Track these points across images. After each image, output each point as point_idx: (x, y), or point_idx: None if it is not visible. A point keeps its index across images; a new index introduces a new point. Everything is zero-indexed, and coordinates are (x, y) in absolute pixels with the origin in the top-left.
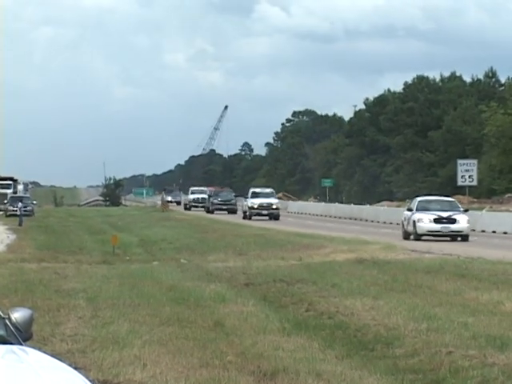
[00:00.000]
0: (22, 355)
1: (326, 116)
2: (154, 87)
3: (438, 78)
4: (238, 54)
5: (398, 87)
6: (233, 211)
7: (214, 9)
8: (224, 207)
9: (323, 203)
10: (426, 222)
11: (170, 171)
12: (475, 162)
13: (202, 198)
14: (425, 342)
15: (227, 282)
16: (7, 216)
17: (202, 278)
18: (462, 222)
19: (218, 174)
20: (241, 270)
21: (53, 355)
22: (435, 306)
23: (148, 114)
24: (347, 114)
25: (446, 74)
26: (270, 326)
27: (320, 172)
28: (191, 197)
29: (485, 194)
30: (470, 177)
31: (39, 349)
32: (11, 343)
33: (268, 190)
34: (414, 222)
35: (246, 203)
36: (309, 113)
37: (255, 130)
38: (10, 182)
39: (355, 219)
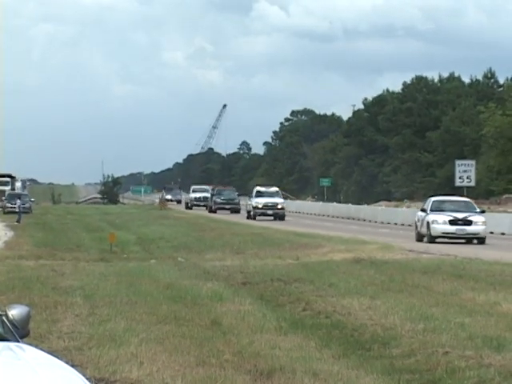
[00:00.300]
0: (18, 352)
1: (325, 115)
2: (153, 85)
3: (436, 79)
4: (237, 52)
5: (397, 87)
6: (236, 210)
7: (213, 7)
8: (227, 206)
9: (321, 203)
10: (440, 223)
11: (169, 169)
12: (473, 162)
13: (204, 197)
14: (421, 342)
15: (224, 280)
16: (5, 213)
17: (200, 276)
18: (479, 223)
19: (217, 172)
20: (238, 268)
21: (50, 352)
22: (432, 306)
23: (147, 111)
24: (346, 114)
25: (445, 74)
26: (266, 325)
27: (318, 171)
28: (193, 195)
29: (483, 194)
30: (468, 177)
31: (36, 346)
32: (8, 340)
33: (273, 189)
34: (428, 223)
35: (250, 202)
36: (307, 112)
37: (254, 128)
38: (8, 179)
39: (353, 219)
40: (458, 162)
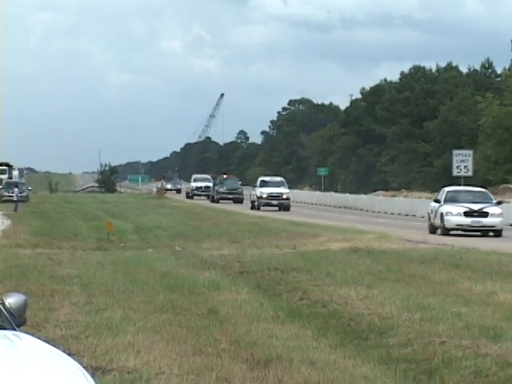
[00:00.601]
0: (15, 340)
1: (322, 105)
2: (150, 74)
3: (434, 68)
4: (235, 41)
5: (395, 77)
6: (239, 201)
7: None
8: (230, 196)
9: (318, 192)
10: (454, 215)
11: (166, 158)
12: (471, 152)
13: (206, 187)
14: (418, 331)
15: (221, 269)
16: (2, 202)
17: (197, 265)
18: (495, 215)
19: (214, 161)
20: (235, 257)
21: (46, 341)
22: (429, 295)
23: (144, 100)
24: (343, 103)
25: (443, 64)
26: (263, 314)
27: (315, 161)
28: (194, 185)
29: (480, 184)
30: (465, 167)
31: (33, 334)
32: (5, 328)
33: (278, 179)
34: (442, 214)
35: (254, 192)
36: (305, 101)
37: (251, 118)
38: (5, 168)
39: (350, 208)
40: (455, 152)
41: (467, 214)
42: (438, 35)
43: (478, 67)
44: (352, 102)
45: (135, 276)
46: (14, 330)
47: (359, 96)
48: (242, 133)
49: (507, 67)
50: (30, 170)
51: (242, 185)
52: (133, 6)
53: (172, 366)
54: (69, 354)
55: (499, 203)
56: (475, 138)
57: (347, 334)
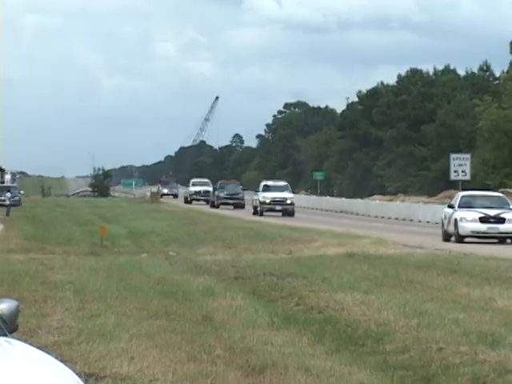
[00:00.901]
0: (7, 347)
1: (318, 108)
2: (144, 77)
3: (431, 71)
4: (229, 44)
5: (392, 80)
6: (240, 206)
7: None
8: (230, 201)
9: (314, 196)
10: (469, 221)
11: (160, 162)
12: (468, 156)
13: (205, 191)
14: (415, 338)
15: (216, 275)
16: None
17: (191, 271)
18: None
19: (208, 165)
20: (230, 263)
21: (39, 347)
22: (426, 301)
23: (138, 104)
24: (339, 107)
25: (440, 67)
26: (259, 321)
27: (311, 165)
28: (192, 189)
29: (478, 188)
30: (463, 171)
31: (25, 341)
32: None
33: (282, 183)
34: (456, 221)
35: (256, 197)
36: (300, 105)
37: (246, 121)
38: None
39: (346, 213)
40: (452, 156)
41: (483, 219)
42: (436, 38)
43: (475, 70)
44: (348, 106)
45: (129, 282)
46: (6, 336)
47: (356, 99)
48: (237, 136)
49: (505, 70)
50: (23, 174)
51: (243, 189)
52: (124, 8)
53: (166, 372)
54: (61, 361)
55: None
56: (473, 141)
57: (343, 341)
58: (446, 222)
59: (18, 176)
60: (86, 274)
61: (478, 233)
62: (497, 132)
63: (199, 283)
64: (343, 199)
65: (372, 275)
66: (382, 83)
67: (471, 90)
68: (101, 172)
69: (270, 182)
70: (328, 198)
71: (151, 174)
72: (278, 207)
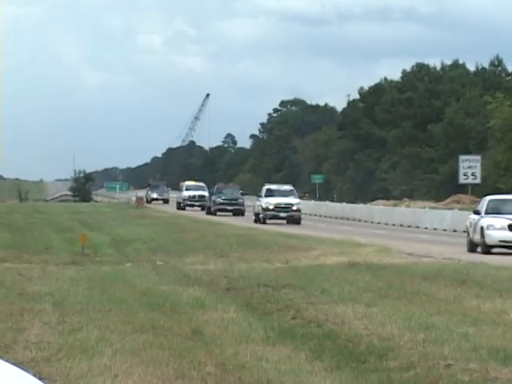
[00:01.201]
0: None
1: (317, 106)
2: (128, 72)
3: (439, 66)
4: (221, 36)
5: (396, 75)
6: (240, 212)
7: None
8: (229, 208)
9: (313, 201)
10: (497, 228)
11: (146, 164)
12: (479, 157)
13: (200, 196)
14: (421, 353)
15: (207, 286)
16: None
17: (180, 281)
18: None
19: (198, 168)
20: (222, 273)
21: (15, 364)
22: (433, 314)
23: (122, 101)
24: (340, 104)
25: (448, 61)
26: (252, 335)
27: (309, 167)
28: (186, 194)
29: (489, 192)
30: (472, 174)
31: (0, 357)
32: None
33: (287, 188)
34: (482, 229)
35: (258, 203)
36: (298, 102)
37: (239, 120)
38: None
39: (347, 219)
40: (462, 158)
41: None
42: (443, 30)
43: (486, 65)
44: (349, 103)
45: (112, 293)
46: None
47: (357, 96)
48: (230, 136)
49: None
50: None
51: (243, 194)
52: None
53: None
54: (40, 379)
55: None
56: (484, 142)
57: (344, 357)
58: (471, 230)
59: None
60: (66, 285)
61: (506, 242)
62: (510, 132)
63: (188, 295)
64: (344, 204)
65: (375, 286)
66: (385, 79)
67: (482, 86)
68: (82, 175)
69: (273, 186)
70: (327, 203)
71: (136, 176)
72: (283, 214)
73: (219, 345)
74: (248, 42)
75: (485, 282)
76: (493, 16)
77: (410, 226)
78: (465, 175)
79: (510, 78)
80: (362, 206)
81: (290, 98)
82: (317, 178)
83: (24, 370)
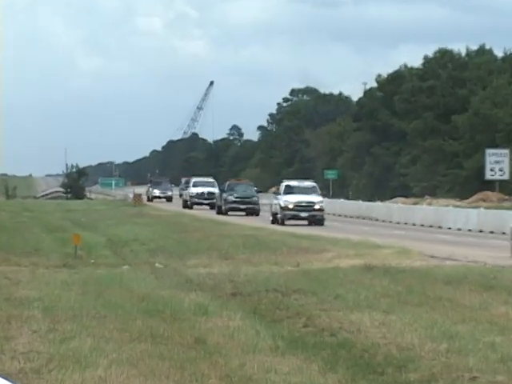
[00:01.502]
0: None
1: (331, 95)
2: (125, 58)
3: (463, 52)
4: (225, 19)
5: (417, 62)
6: (254, 212)
7: None
8: (242, 206)
9: (326, 199)
10: None
11: (145, 158)
12: (507, 151)
13: (209, 193)
14: (444, 365)
15: (210, 291)
16: None
17: (181, 286)
18: None
19: (202, 162)
20: (227, 276)
21: (2, 376)
22: (457, 322)
23: (119, 89)
24: (355, 93)
25: (474, 46)
26: (260, 344)
27: (322, 162)
28: (194, 191)
29: None
30: (500, 169)
31: None
32: None
33: (308, 184)
34: None
35: (276, 202)
36: (310, 91)
37: (246, 110)
38: None
39: (363, 218)
40: (488, 152)
41: None
42: (469, 12)
43: None
44: (366, 92)
45: (108, 298)
46: None
47: (374, 85)
48: (235, 128)
49: None
50: None
51: (257, 191)
52: None
53: None
54: None
55: None
56: None
57: (360, 368)
58: None
59: None
60: (58, 290)
61: None
62: None
63: (190, 300)
64: (360, 202)
65: (394, 291)
66: (405, 66)
67: (510, 73)
68: (75, 170)
69: (293, 183)
70: (342, 200)
71: (134, 172)
72: (304, 214)
73: (224, 355)
74: (255, 24)
75: None
76: None
77: (431, 226)
78: (491, 170)
79: None
80: (379, 204)
81: (302, 86)
82: (330, 174)
83: (11, 382)
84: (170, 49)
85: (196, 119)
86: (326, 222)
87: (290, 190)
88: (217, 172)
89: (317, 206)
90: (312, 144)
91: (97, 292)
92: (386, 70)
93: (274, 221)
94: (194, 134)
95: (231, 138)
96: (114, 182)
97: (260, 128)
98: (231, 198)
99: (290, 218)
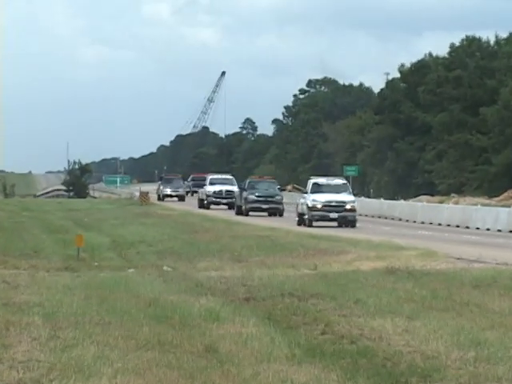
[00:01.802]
0: None
1: (350, 86)
2: (131, 47)
3: (492, 40)
4: (237, 5)
5: (442, 51)
6: (277, 212)
7: None
8: (264, 206)
9: None
10: None
11: (152, 154)
12: None
13: (228, 192)
14: (472, 374)
15: (222, 295)
16: None
17: (191, 290)
18: None
19: (212, 158)
20: (239, 280)
21: None
22: (485, 328)
23: (124, 81)
24: (377, 85)
25: (504, 34)
26: (275, 352)
27: (342, 157)
28: (210, 189)
29: None
30: None
31: None
32: None
33: (338, 181)
34: None
35: (303, 201)
36: (328, 82)
37: (260, 102)
38: None
39: (386, 218)
40: None
41: None
42: None
43: None
44: (388, 83)
45: (112, 304)
46: None
47: (397, 75)
48: (249, 122)
49: None
50: None
51: (280, 190)
52: None
53: None
54: None
55: None
56: None
57: (382, 378)
58: None
59: None
60: (59, 295)
61: None
62: None
63: (201, 305)
64: (382, 200)
65: (418, 296)
66: (429, 55)
67: None
68: (77, 166)
69: (321, 180)
70: (363, 198)
71: (140, 168)
72: (334, 215)
73: (236, 364)
74: (269, 11)
75: None
76: None
77: (458, 226)
78: None
79: None
80: (402, 202)
81: (319, 76)
82: (350, 170)
83: None
84: (178, 37)
85: (206, 112)
86: None
87: (318, 189)
88: (229, 169)
89: (348, 206)
90: (330, 138)
91: (101, 297)
92: (410, 60)
93: (301, 222)
94: (205, 128)
95: (244, 132)
96: (119, 180)
97: (275, 121)
98: (252, 197)
99: (318, 220)
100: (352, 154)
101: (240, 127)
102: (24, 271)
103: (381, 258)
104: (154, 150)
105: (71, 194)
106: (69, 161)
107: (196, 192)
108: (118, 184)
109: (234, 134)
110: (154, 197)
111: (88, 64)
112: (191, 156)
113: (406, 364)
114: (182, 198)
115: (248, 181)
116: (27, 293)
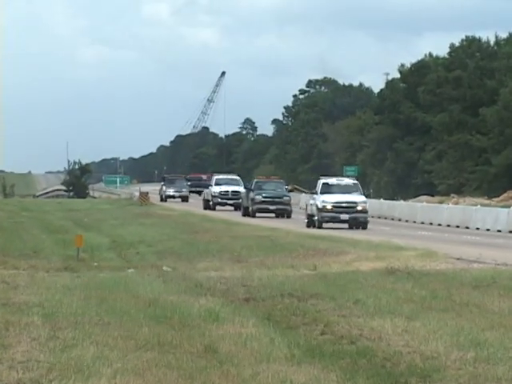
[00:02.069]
0: None
1: (350, 86)
2: (130, 47)
3: (492, 40)
4: (237, 5)
5: (442, 51)
6: (285, 213)
7: None
8: (271, 207)
9: None
10: None
11: (152, 154)
12: None
13: (234, 192)
14: (471, 374)
15: (222, 296)
16: None
17: (190, 290)
18: None
19: (212, 158)
20: (239, 280)
21: None
22: (485, 329)
23: (124, 81)
24: (377, 85)
25: (503, 34)
26: (275, 353)
27: (341, 158)
28: (216, 189)
29: None
30: None
31: None
32: None
33: (349, 181)
34: None
35: (312, 202)
36: (328, 82)
37: (259, 103)
38: None
39: (385, 218)
40: None
41: None
42: None
43: None
44: (388, 83)
45: (112, 304)
46: None
47: (397, 75)
48: (248, 122)
49: None
50: None
51: (288, 190)
52: None
53: None
54: None
55: None
56: None
57: (381, 378)
58: None
59: None
60: (59, 295)
61: None
62: None
63: (200, 306)
64: (381, 201)
65: (417, 296)
66: (429, 55)
67: None
68: (77, 166)
69: (331, 180)
70: None
71: (140, 169)
72: (344, 216)
73: (236, 364)
74: (269, 11)
75: None
76: None
77: (458, 227)
78: None
79: None
80: (402, 202)
81: (319, 77)
82: (350, 171)
83: None
84: (178, 37)
85: (206, 112)
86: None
87: (327, 189)
88: (229, 169)
89: (359, 207)
90: (330, 139)
91: (100, 297)
92: (410, 60)
93: (310, 224)
94: (204, 129)
95: (244, 132)
96: (118, 180)
97: (275, 122)
98: (259, 198)
99: (328, 221)
100: (352, 154)
101: (240, 127)
102: (23, 271)
103: (380, 258)
104: (154, 150)
105: (71, 194)
106: (69, 161)
107: (192, 192)
108: (118, 184)
109: (234, 134)
110: (155, 198)
111: (88, 64)
112: (191, 156)
113: (405, 364)
114: (185, 199)
115: (255, 181)
116: (27, 293)
